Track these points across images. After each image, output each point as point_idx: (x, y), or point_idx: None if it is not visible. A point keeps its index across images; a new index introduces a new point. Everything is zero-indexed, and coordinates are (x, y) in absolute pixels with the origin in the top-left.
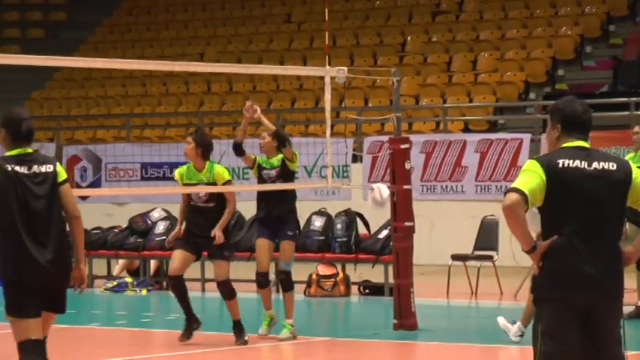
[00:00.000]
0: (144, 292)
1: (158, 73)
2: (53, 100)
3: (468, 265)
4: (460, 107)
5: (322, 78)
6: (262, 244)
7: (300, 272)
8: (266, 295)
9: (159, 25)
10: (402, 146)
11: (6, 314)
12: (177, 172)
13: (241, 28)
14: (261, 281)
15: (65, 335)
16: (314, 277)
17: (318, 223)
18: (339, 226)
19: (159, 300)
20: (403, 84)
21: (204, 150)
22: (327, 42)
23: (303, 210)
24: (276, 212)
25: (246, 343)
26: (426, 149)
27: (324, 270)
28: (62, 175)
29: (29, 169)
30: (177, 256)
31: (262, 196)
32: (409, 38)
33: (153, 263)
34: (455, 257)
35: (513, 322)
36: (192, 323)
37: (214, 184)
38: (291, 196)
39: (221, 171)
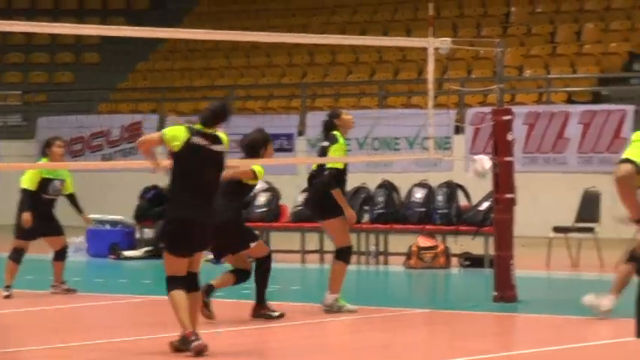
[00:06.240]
0: None
1: (262, 44)
2: (157, 72)
3: (569, 237)
4: (564, 78)
5: (426, 49)
6: None
7: (400, 244)
8: None
9: None
10: (505, 118)
11: None
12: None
13: None
14: None
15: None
16: (414, 248)
17: (419, 194)
18: (440, 197)
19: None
20: (507, 55)
21: None
22: (431, 13)
23: (405, 181)
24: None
25: None
26: (528, 121)
27: (424, 242)
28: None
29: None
30: None
31: None
32: (513, 9)
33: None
34: (556, 229)
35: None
36: None
37: None
38: None
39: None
